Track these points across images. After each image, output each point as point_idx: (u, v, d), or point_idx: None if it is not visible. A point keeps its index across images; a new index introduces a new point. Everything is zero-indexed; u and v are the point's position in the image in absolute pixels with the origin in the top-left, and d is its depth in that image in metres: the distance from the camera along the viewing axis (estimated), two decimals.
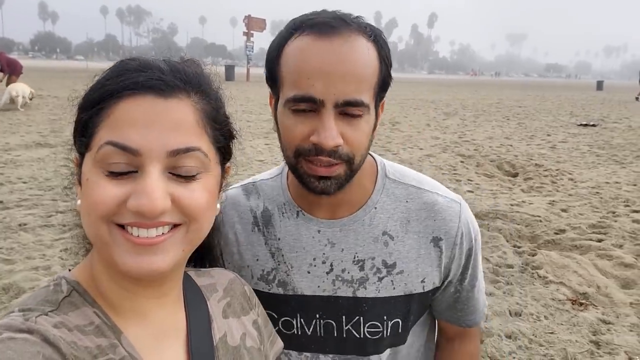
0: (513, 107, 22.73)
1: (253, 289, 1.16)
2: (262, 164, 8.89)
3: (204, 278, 0.94)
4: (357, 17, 1.00)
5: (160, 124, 0.68)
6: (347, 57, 0.93)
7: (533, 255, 4.88)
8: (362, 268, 1.13)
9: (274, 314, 1.16)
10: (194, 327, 0.83)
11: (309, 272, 1.14)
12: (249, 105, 18.92)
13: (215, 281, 0.94)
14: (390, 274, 1.13)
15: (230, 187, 1.26)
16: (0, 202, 6.04)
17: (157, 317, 0.79)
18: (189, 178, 0.70)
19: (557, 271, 4.42)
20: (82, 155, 0.73)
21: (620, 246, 5.16)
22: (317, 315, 1.15)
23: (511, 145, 11.56)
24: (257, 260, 1.18)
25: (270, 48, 1.02)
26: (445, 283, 1.19)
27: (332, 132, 0.93)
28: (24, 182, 7.03)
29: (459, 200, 1.19)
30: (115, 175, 0.67)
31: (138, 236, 0.67)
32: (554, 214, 6.26)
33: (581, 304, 3.91)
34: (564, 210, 6.45)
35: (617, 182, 8.15)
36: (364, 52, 0.95)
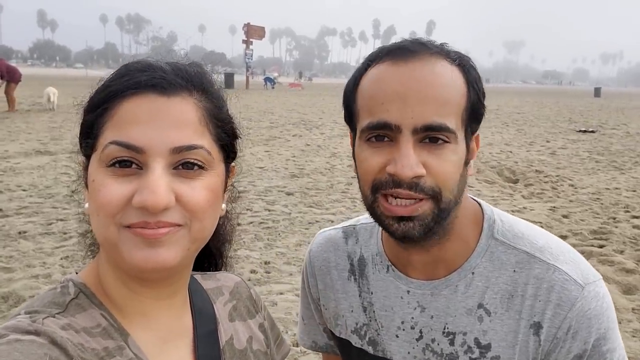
0: (512, 114, 22.81)
1: (347, 340, 1.09)
2: (262, 170, 8.89)
3: (210, 281, 0.93)
4: (442, 43, 0.90)
5: (163, 121, 0.68)
6: (426, 78, 0.83)
7: None
8: (452, 342, 0.96)
9: None
10: (201, 330, 0.83)
11: (397, 336, 1.01)
12: (248, 112, 18.97)
13: (221, 284, 0.94)
14: (483, 356, 0.93)
15: (333, 227, 1.19)
16: (0, 210, 6.03)
17: (163, 319, 0.78)
18: (191, 175, 0.70)
19: None
20: (88, 157, 0.73)
21: (622, 252, 5.17)
22: None
23: (511, 152, 11.58)
24: (352, 311, 1.08)
25: (347, 83, 0.94)
26: None
27: (409, 160, 0.81)
28: (24, 190, 7.01)
29: (585, 282, 0.89)
30: (120, 167, 0.68)
31: (144, 228, 0.67)
32: (555, 220, 6.27)
33: None
34: (565, 217, 6.46)
35: (617, 188, 8.17)
36: (446, 74, 0.85)
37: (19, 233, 5.28)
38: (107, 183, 0.67)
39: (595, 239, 5.57)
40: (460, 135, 0.86)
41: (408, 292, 1.00)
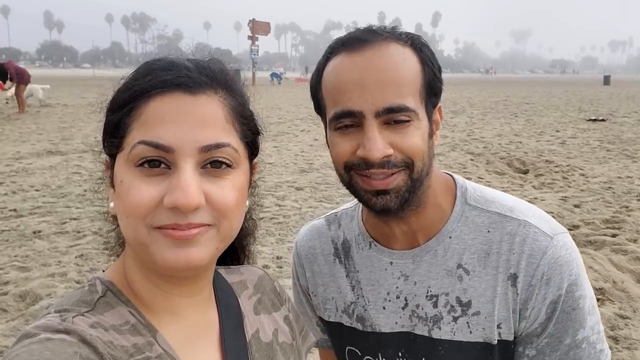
0: (520, 104, 22.65)
1: (337, 322, 1.15)
2: (271, 166, 8.91)
3: (234, 275, 0.94)
4: (393, 27, 0.95)
5: (190, 120, 0.68)
6: (381, 65, 0.89)
7: None
8: (435, 305, 1.01)
9: (357, 351, 1.12)
10: (226, 324, 0.83)
11: (384, 308, 1.06)
12: (256, 108, 18.92)
13: (245, 278, 0.95)
14: (465, 313, 0.99)
15: (317, 218, 1.24)
16: (14, 210, 6.10)
17: (190, 315, 0.79)
18: (219, 174, 0.70)
19: None
20: (112, 156, 0.73)
21: (635, 240, 5.13)
22: (400, 354, 1.06)
23: (520, 142, 11.51)
24: (340, 292, 1.13)
25: (312, 76, 1.00)
26: (517, 339, 0.99)
27: (376, 143, 0.87)
28: (37, 190, 7.08)
29: (553, 233, 0.97)
30: (149, 167, 0.68)
31: (175, 230, 0.68)
32: (567, 210, 6.23)
33: (598, 300, 3.88)
34: (576, 206, 6.41)
35: (629, 177, 8.10)
36: (399, 57, 0.90)
37: (34, 233, 5.34)
38: (136, 185, 0.67)
39: (607, 228, 5.53)
40: (422, 112, 0.92)
41: (391, 263, 1.06)
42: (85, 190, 6.97)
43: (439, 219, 1.03)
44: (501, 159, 9.57)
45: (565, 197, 6.90)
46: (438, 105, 0.99)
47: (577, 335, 0.95)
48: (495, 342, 0.98)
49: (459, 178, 1.07)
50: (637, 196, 6.88)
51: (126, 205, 0.68)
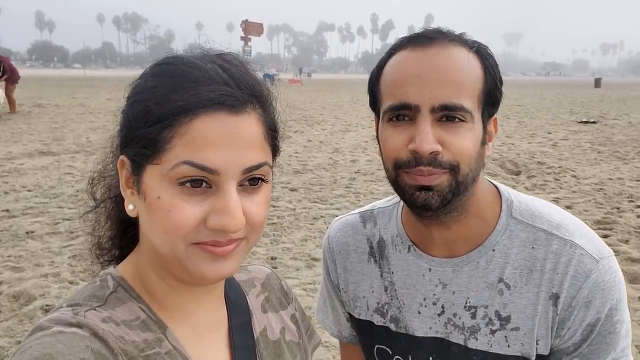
0: (512, 106, 22.79)
1: (368, 321, 1.14)
2: None
3: (242, 274, 0.95)
4: (461, 33, 0.96)
5: (235, 142, 0.68)
6: (443, 62, 0.90)
7: None
8: (474, 316, 1.01)
9: (387, 350, 1.13)
10: (235, 321, 0.85)
11: (419, 313, 1.07)
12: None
13: (253, 276, 0.96)
14: (504, 328, 0.99)
15: (349, 213, 1.24)
16: (6, 211, 6.06)
17: (200, 312, 0.80)
18: (254, 190, 0.72)
19: None
20: (136, 163, 0.70)
21: (626, 241, 5.19)
22: (431, 358, 1.07)
23: (512, 144, 11.59)
24: (373, 292, 1.13)
25: (372, 72, 1.01)
26: (550, 356, 1.00)
27: (428, 137, 0.88)
28: (29, 191, 7.04)
29: (599, 256, 0.96)
30: (192, 187, 0.67)
31: (216, 246, 0.70)
32: None
33: None
34: (568, 207, 6.47)
35: (620, 178, 8.19)
36: (463, 60, 0.91)
37: (27, 233, 5.31)
38: (178, 204, 0.67)
39: (599, 229, 5.58)
40: (477, 116, 0.92)
41: (429, 270, 1.05)
42: (77, 191, 6.94)
43: (482, 230, 1.02)
44: (493, 160, 9.63)
45: (557, 198, 6.96)
46: (494, 117, 1.00)
47: (607, 357, 0.96)
48: (534, 357, 0.98)
49: (504, 189, 1.07)
50: (628, 197, 6.96)
51: (168, 224, 0.67)
